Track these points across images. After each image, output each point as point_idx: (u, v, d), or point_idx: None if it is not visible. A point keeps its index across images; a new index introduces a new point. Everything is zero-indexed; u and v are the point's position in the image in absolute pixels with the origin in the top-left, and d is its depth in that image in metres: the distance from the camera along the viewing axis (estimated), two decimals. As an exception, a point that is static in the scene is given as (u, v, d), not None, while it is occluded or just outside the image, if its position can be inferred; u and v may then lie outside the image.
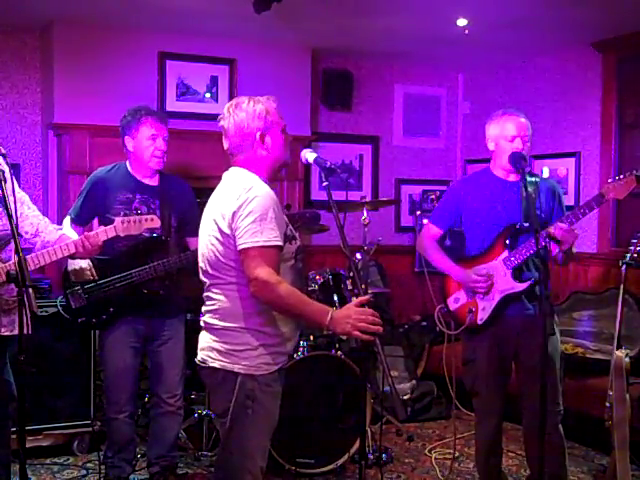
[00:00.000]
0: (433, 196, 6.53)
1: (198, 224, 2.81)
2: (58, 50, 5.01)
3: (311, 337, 4.35)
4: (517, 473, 4.29)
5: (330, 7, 4.65)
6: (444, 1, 4.52)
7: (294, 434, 4.08)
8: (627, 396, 3.36)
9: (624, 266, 3.43)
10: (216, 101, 5.45)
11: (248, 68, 5.50)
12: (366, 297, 2.60)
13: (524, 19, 4.79)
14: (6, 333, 3.07)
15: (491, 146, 3.53)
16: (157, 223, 3.41)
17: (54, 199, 5.24)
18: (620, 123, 5.33)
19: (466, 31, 4.91)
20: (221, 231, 2.61)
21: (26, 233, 3.25)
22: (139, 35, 5.20)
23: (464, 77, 6.70)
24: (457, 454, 4.29)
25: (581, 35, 5.21)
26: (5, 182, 2.69)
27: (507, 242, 3.44)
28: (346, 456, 4.19)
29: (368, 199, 4.56)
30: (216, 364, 2.65)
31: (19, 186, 3.32)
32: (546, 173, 5.71)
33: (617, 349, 3.39)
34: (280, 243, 2.57)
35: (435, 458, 4.51)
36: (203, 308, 2.75)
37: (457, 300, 3.58)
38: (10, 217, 2.59)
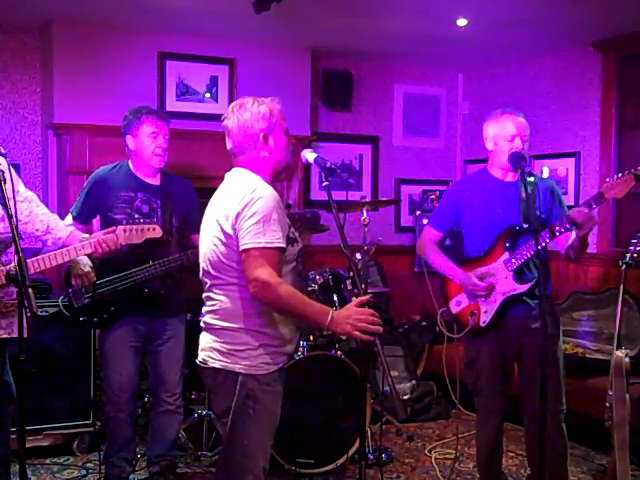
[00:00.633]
0: (433, 196, 6.53)
1: (201, 221, 2.81)
2: (58, 50, 5.01)
3: (311, 337, 4.35)
4: (517, 473, 4.29)
5: (330, 7, 4.65)
6: (444, 1, 4.52)
7: (294, 434, 4.08)
8: (627, 396, 3.35)
9: (624, 266, 3.43)
10: (216, 101, 5.45)
11: (248, 68, 5.50)
12: (366, 297, 2.60)
13: (524, 19, 4.79)
14: (4, 336, 3.07)
15: (489, 146, 3.52)
16: (159, 233, 3.42)
17: (54, 199, 5.23)
18: (620, 123, 5.33)
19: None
20: (224, 232, 2.61)
21: (37, 231, 3.27)
22: (139, 35, 5.20)
23: (464, 77, 6.70)
24: (457, 454, 4.28)
25: (581, 35, 5.21)
26: (5, 182, 2.68)
27: (507, 244, 3.44)
28: (346, 456, 4.19)
29: (368, 199, 4.55)
30: (217, 364, 2.65)
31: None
32: (546, 173, 5.71)
33: (617, 349, 3.38)
34: (283, 245, 2.57)
35: (435, 458, 4.52)
36: (203, 309, 2.75)
37: (459, 303, 3.58)
38: (10, 217, 2.58)
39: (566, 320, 5.04)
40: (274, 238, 2.54)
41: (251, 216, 2.54)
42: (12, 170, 2.97)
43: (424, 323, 5.86)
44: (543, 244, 3.34)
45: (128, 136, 3.74)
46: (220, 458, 2.88)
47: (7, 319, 3.07)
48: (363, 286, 3.36)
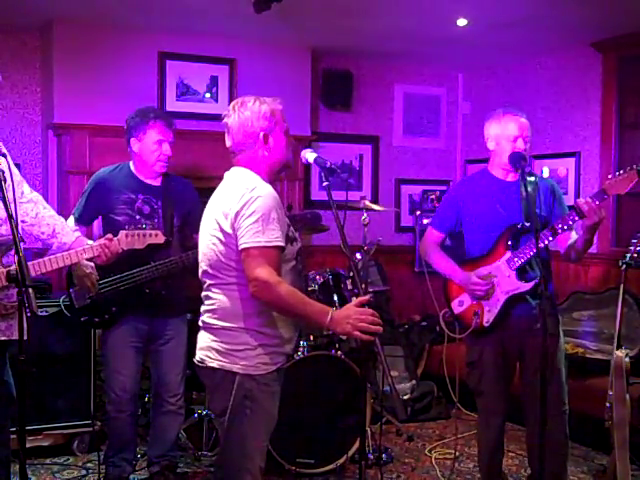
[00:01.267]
0: (433, 196, 6.53)
1: None
2: (58, 50, 5.01)
3: (311, 337, 4.35)
4: (517, 473, 4.29)
5: (330, 7, 4.65)
6: (444, 1, 4.52)
7: (294, 434, 4.08)
8: (627, 396, 3.36)
9: (624, 266, 3.43)
10: (216, 101, 5.45)
11: (248, 68, 5.50)
12: (366, 297, 2.60)
13: (524, 19, 4.79)
14: (3, 338, 3.06)
15: (491, 145, 3.52)
16: (161, 239, 3.43)
17: (54, 199, 5.23)
18: (620, 123, 5.33)
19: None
20: (223, 231, 2.61)
21: (42, 234, 3.25)
22: (139, 35, 5.20)
23: (464, 77, 6.70)
24: (457, 454, 4.28)
25: (581, 35, 5.21)
26: (5, 182, 2.67)
27: (509, 243, 3.43)
28: (346, 456, 4.19)
29: (368, 199, 4.54)
30: (215, 364, 2.64)
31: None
32: (546, 173, 5.71)
33: (617, 349, 3.38)
34: (282, 244, 2.57)
35: (435, 458, 4.51)
36: (202, 308, 2.74)
37: (461, 303, 3.57)
38: (10, 217, 2.58)
39: (566, 320, 5.04)
40: (273, 237, 2.53)
41: (250, 215, 2.54)
42: (16, 171, 2.96)
43: (424, 323, 5.86)
44: (545, 242, 3.34)
45: (133, 139, 3.71)
46: (218, 458, 2.88)
47: (7, 321, 3.06)
48: (363, 286, 3.36)
